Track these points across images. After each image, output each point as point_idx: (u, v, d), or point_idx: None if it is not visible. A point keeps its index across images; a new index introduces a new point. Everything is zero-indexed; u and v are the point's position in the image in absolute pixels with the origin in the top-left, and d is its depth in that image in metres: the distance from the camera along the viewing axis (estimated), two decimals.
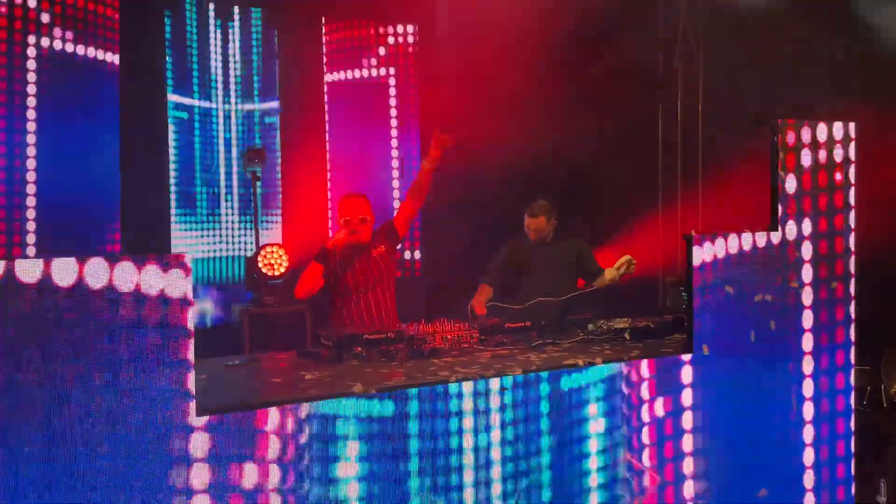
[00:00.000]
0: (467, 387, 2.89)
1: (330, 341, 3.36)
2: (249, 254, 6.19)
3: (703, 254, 3.31)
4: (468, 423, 2.88)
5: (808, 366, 3.54)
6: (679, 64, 6.39)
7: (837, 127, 3.59)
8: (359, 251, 4.00)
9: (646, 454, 3.21)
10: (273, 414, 2.58)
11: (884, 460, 3.95)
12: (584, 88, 6.17)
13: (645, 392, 3.22)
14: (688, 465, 3.28)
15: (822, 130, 3.56)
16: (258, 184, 5.66)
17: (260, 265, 5.41)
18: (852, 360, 3.66)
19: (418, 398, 2.80)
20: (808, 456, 3.54)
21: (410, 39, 6.37)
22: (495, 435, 2.92)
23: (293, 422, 2.61)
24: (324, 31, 6.39)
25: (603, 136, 6.21)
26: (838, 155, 3.60)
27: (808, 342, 3.53)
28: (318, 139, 6.38)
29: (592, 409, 3.12)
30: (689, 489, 3.27)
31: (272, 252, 5.47)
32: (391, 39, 6.35)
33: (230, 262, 6.48)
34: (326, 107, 6.44)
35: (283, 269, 5.46)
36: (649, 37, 6.37)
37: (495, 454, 2.93)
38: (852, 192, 3.63)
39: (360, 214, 3.95)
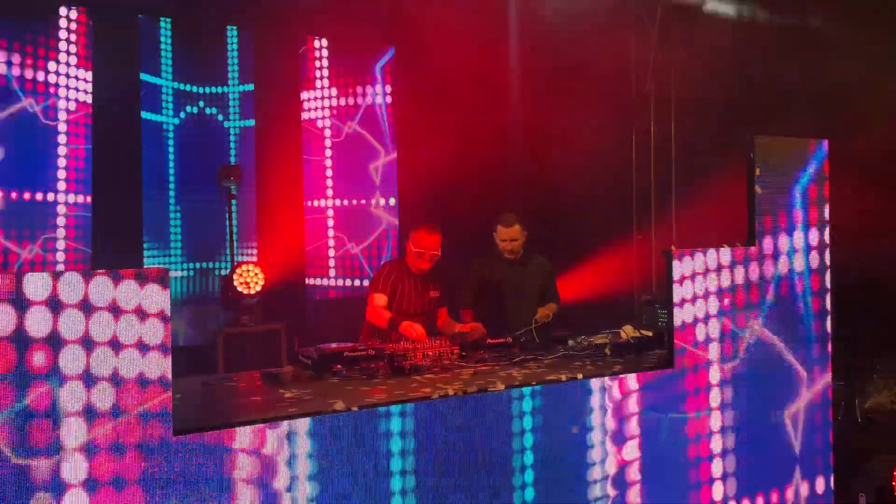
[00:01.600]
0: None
1: (310, 359, 3.30)
2: (225, 272, 6.11)
3: (682, 269, 3.33)
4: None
5: (787, 378, 3.56)
6: (651, 86, 6.48)
7: (811, 144, 3.66)
8: (419, 280, 4.16)
9: (633, 468, 3.20)
10: (253, 432, 2.52)
11: (862, 474, 3.98)
12: (558, 111, 6.22)
13: (628, 406, 3.20)
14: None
15: (796, 147, 3.62)
16: (233, 201, 5.61)
17: (235, 284, 5.34)
18: (830, 376, 3.70)
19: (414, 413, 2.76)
20: (790, 467, 3.56)
21: (388, 60, 6.40)
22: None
23: (273, 440, 2.55)
24: (302, 49, 6.39)
25: (578, 157, 6.25)
26: (813, 171, 3.66)
27: (786, 356, 3.56)
28: (295, 156, 6.35)
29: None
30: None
31: (248, 271, 5.40)
32: (369, 60, 6.38)
33: (205, 280, 6.38)
34: (303, 124, 6.42)
35: (258, 288, 5.40)
36: (623, 60, 6.46)
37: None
38: (827, 207, 3.69)
39: (435, 250, 4.11)
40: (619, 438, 3.17)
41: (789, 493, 3.54)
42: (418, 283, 4.14)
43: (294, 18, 6.06)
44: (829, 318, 3.70)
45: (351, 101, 6.39)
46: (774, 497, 3.52)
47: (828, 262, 3.69)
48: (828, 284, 3.69)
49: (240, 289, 5.36)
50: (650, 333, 3.76)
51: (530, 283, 4.48)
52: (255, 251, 6.34)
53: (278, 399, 2.91)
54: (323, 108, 6.41)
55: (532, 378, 3.12)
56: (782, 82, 5.08)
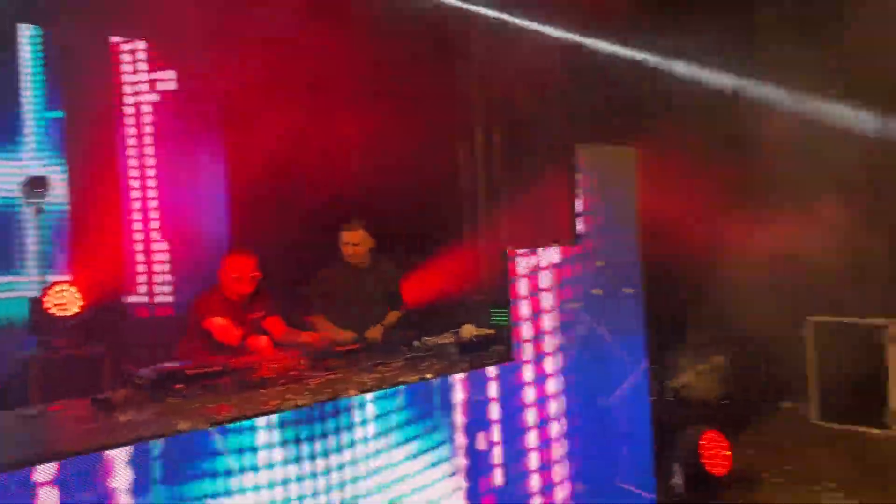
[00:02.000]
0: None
1: (146, 379, 3.11)
2: (35, 293, 5.52)
3: (518, 268, 3.54)
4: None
5: (612, 364, 3.90)
6: (481, 98, 6.79)
7: (624, 151, 4.04)
8: (239, 306, 4.08)
9: (494, 453, 3.35)
10: (90, 460, 2.34)
11: (675, 447, 4.43)
12: (389, 116, 6.31)
13: (477, 398, 3.35)
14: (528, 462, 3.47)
15: (610, 154, 3.99)
16: (42, 216, 5.12)
17: (48, 305, 4.87)
18: (646, 359, 4.09)
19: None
20: (617, 445, 3.89)
21: (206, 63, 6.14)
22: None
23: (115, 467, 2.38)
24: (113, 47, 5.96)
25: (408, 163, 6.38)
26: (619, 175, 4.04)
27: (610, 342, 3.90)
28: (111, 164, 5.90)
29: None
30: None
31: (62, 291, 4.95)
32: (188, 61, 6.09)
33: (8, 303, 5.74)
34: (122, 128, 5.98)
35: (76, 309, 4.96)
36: (456, 67, 6.69)
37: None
38: (638, 207, 4.08)
39: (252, 272, 4.10)
40: (470, 430, 3.30)
41: (617, 466, 3.87)
42: (238, 311, 4.06)
43: (94, 18, 5.65)
44: (644, 307, 4.09)
45: (171, 104, 6.06)
46: (604, 471, 3.83)
47: (641, 255, 4.09)
48: (641, 277, 4.08)
49: (53, 311, 4.90)
50: (491, 332, 3.95)
51: (375, 288, 4.53)
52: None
53: (115, 424, 2.72)
54: (141, 113, 6.03)
55: (384, 382, 3.17)
56: (601, 93, 5.54)
